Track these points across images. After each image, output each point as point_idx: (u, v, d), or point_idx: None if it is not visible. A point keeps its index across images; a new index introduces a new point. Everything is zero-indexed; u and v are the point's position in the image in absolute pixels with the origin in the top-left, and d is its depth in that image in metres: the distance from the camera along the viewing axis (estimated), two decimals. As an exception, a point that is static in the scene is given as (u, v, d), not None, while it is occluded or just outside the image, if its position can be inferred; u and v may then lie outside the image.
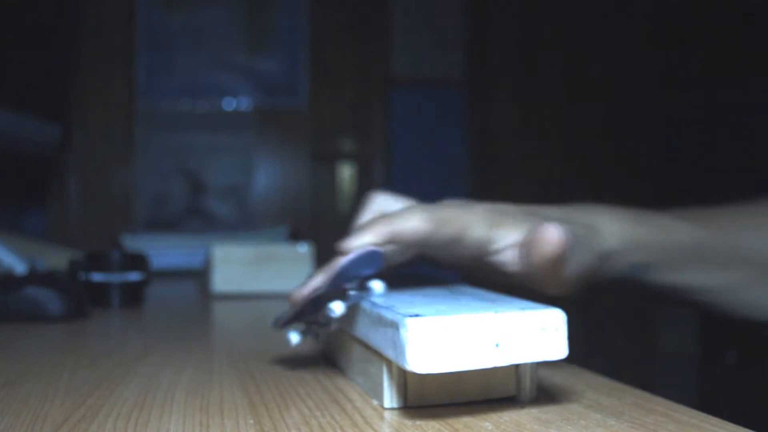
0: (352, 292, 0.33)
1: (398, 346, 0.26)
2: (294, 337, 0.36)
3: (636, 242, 0.42)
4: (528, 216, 0.37)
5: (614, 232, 0.41)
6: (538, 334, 0.26)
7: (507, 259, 0.36)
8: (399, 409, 0.28)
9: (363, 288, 0.32)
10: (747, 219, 0.49)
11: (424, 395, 0.28)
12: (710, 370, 2.22)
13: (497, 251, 0.36)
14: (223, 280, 0.72)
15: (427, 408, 0.28)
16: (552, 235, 0.33)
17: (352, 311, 0.32)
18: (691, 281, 0.45)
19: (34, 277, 0.56)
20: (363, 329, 0.30)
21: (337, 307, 0.32)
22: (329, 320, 0.34)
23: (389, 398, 0.29)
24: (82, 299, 0.57)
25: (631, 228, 0.42)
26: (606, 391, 0.31)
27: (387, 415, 0.28)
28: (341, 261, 0.33)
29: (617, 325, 2.37)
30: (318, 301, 0.33)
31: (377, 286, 0.32)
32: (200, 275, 0.85)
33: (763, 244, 0.47)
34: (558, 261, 0.33)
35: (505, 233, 0.36)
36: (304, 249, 0.76)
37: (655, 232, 0.43)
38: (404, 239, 0.34)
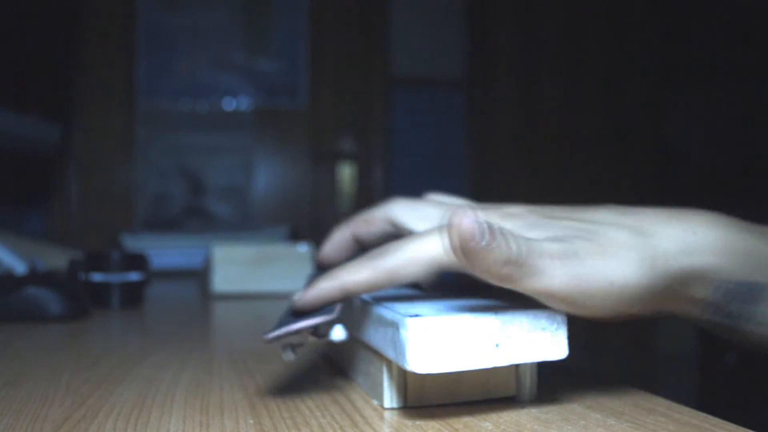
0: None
1: (398, 346, 0.26)
2: (288, 355, 0.32)
3: (739, 251, 0.29)
4: (548, 221, 0.30)
5: (702, 239, 0.29)
6: (538, 334, 0.26)
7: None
8: (399, 409, 0.28)
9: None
10: None
11: (424, 395, 0.28)
12: (710, 370, 2.22)
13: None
14: (223, 280, 0.72)
15: (427, 408, 0.28)
16: (460, 225, 0.24)
17: (352, 311, 0.32)
18: None
19: (34, 277, 0.56)
20: (363, 329, 0.30)
21: (338, 332, 0.30)
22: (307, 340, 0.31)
23: (389, 398, 0.29)
24: (82, 299, 0.57)
25: (726, 235, 0.29)
26: (606, 391, 0.31)
27: (387, 415, 0.28)
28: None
29: (617, 325, 2.37)
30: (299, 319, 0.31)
31: (338, 332, 0.30)
32: (200, 275, 0.85)
33: None
34: (474, 256, 0.24)
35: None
36: (304, 249, 0.76)
37: (757, 243, 0.30)
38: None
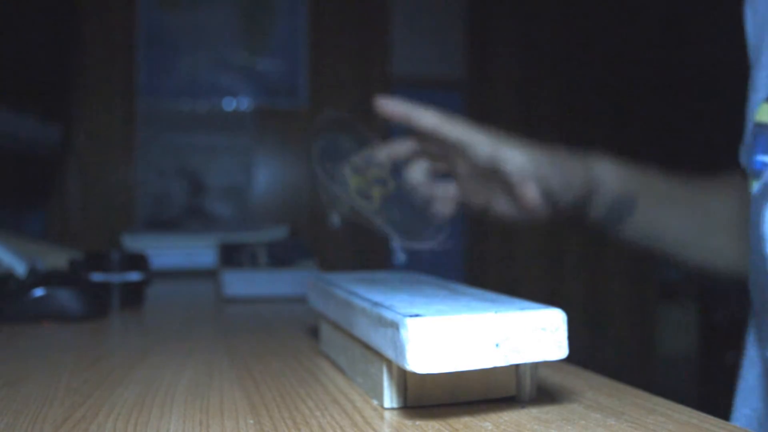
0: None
1: (398, 346, 0.25)
2: (336, 219, 0.41)
3: (623, 175, 0.52)
4: (527, 147, 0.48)
5: (605, 165, 0.52)
6: (538, 334, 0.26)
7: (514, 179, 0.47)
8: (399, 409, 0.28)
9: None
10: (710, 185, 0.59)
11: (424, 395, 0.28)
12: (710, 370, 2.22)
13: (506, 169, 0.47)
14: (233, 283, 0.71)
15: (427, 408, 0.28)
16: (529, 198, 0.46)
17: (352, 311, 0.32)
18: (663, 222, 0.55)
19: (53, 277, 0.56)
20: (363, 329, 0.30)
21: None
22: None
23: (389, 398, 0.29)
24: (103, 298, 0.57)
25: (620, 166, 0.53)
26: (606, 391, 0.31)
27: (387, 415, 0.28)
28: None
29: (617, 325, 2.37)
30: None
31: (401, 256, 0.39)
32: (214, 276, 0.84)
33: (718, 206, 0.57)
34: (533, 213, 0.48)
35: (511, 154, 0.48)
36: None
37: (637, 172, 0.54)
38: (421, 125, 0.48)
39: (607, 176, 0.51)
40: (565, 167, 0.49)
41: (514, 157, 0.48)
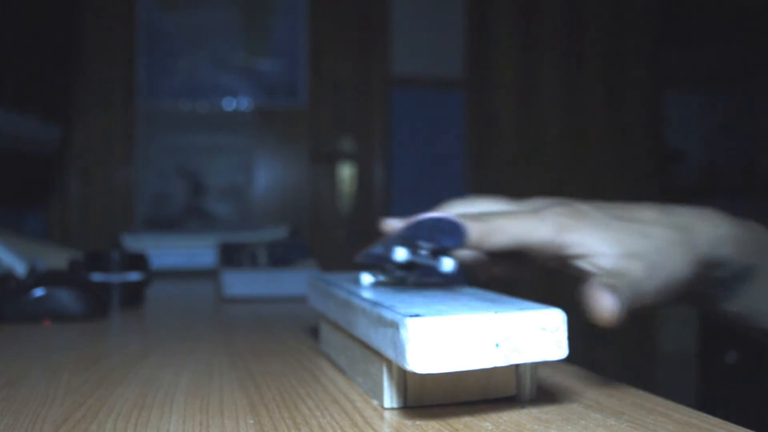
0: (423, 251, 0.33)
1: (398, 346, 0.25)
2: (366, 278, 0.37)
3: (741, 243, 0.38)
4: (611, 220, 0.36)
5: (720, 232, 0.37)
6: (538, 334, 0.26)
7: (585, 266, 0.35)
8: (399, 409, 0.28)
9: (435, 256, 0.33)
10: None
11: (424, 395, 0.28)
12: (710, 370, 2.22)
13: (573, 256, 0.35)
14: (233, 283, 0.70)
15: (427, 408, 0.28)
16: (603, 306, 0.31)
17: (352, 311, 0.32)
18: None
19: (53, 277, 0.56)
20: (363, 329, 0.30)
21: (401, 253, 0.32)
22: (394, 266, 0.35)
23: (389, 398, 0.29)
24: (103, 298, 0.57)
25: (737, 228, 0.38)
26: (606, 391, 0.31)
27: (387, 415, 0.28)
28: (428, 213, 0.33)
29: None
30: (388, 246, 0.34)
31: (447, 262, 0.33)
32: (214, 277, 0.84)
33: None
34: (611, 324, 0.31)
35: (578, 239, 0.35)
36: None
37: (755, 234, 0.40)
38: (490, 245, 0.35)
39: (724, 250, 0.37)
40: (665, 257, 0.35)
41: (593, 246, 0.35)
